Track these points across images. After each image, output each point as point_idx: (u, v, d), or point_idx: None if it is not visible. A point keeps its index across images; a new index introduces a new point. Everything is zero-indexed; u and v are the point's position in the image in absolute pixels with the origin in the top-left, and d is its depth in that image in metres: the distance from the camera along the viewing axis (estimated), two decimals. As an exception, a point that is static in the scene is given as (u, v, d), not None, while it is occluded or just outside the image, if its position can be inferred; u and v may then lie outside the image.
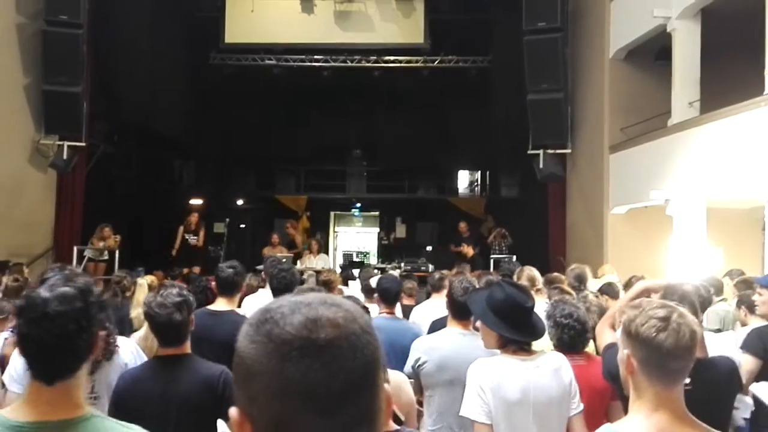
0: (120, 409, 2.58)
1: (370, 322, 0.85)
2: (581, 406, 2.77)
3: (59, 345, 1.57)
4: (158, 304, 2.71)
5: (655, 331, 1.73)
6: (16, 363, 2.96)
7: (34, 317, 1.57)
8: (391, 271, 9.30)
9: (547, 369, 2.72)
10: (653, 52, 9.47)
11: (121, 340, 3.27)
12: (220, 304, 4.06)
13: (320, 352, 0.78)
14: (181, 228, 11.70)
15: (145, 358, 3.49)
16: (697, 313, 2.64)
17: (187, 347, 2.81)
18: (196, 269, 10.71)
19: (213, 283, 4.46)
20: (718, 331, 4.78)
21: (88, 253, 10.21)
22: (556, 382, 2.71)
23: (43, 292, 1.60)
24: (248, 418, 0.81)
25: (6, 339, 4.08)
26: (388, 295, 4.39)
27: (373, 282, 4.79)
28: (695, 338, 1.75)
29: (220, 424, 2.68)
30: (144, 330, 4.05)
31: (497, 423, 2.62)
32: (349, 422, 0.79)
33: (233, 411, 0.83)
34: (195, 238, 11.63)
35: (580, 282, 5.52)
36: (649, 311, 1.79)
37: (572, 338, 3.16)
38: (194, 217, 11.89)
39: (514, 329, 2.73)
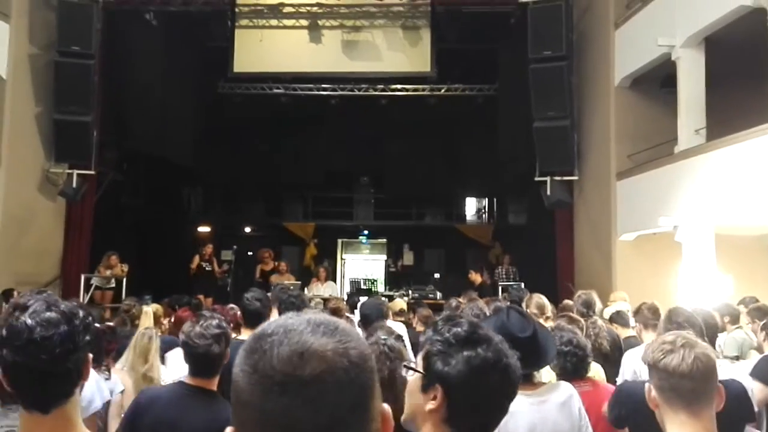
0: (134, 427, 2.56)
1: (365, 350, 0.84)
2: None
3: (48, 370, 1.53)
4: (198, 334, 2.67)
5: (662, 354, 1.77)
6: None
7: (19, 345, 1.52)
8: (398, 299, 9.28)
9: (555, 402, 2.63)
10: (659, 80, 9.52)
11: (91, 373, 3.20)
12: (246, 336, 4.05)
13: (304, 388, 0.77)
14: (197, 257, 11.87)
15: (108, 396, 3.41)
16: (703, 336, 2.61)
17: (215, 383, 2.75)
18: (209, 300, 10.70)
19: (238, 313, 4.48)
20: (737, 358, 4.71)
21: (95, 282, 10.24)
22: (565, 415, 2.61)
23: (27, 319, 1.55)
24: None
25: None
26: (367, 321, 4.34)
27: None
28: (706, 360, 1.75)
29: None
30: (131, 358, 4.04)
31: None
32: None
33: (229, 430, 0.83)
34: (210, 267, 11.86)
35: (587, 308, 5.46)
36: (660, 339, 1.84)
37: (575, 365, 3.13)
38: (209, 249, 12.08)
39: None
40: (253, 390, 0.79)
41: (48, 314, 1.57)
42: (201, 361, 2.67)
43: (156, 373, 4.07)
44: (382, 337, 2.76)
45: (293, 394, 0.77)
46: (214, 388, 2.75)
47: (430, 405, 1.45)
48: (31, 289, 2.04)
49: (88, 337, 1.65)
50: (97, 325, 3.41)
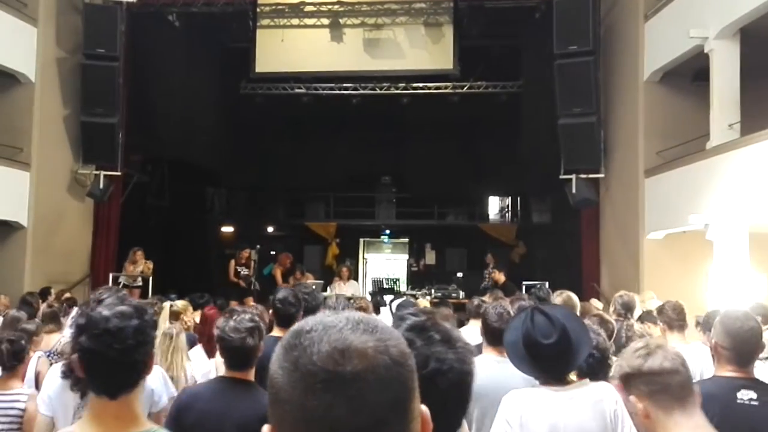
0: (178, 425, 2.62)
1: (405, 349, 0.82)
2: None
3: (120, 359, 1.67)
4: (232, 328, 2.76)
5: (642, 359, 1.80)
6: (49, 387, 2.95)
7: (96, 333, 1.67)
8: (420, 298, 9.19)
9: (583, 401, 2.55)
10: (690, 73, 9.30)
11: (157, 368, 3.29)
12: (278, 334, 4.08)
13: (345, 386, 0.76)
14: (233, 261, 11.87)
15: (172, 388, 3.53)
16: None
17: (252, 374, 2.84)
18: (249, 300, 10.69)
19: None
20: (769, 358, 4.55)
21: (122, 280, 10.33)
22: (594, 414, 2.53)
23: (103, 310, 1.70)
24: None
25: (39, 358, 4.30)
26: None
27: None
28: (681, 357, 1.82)
29: None
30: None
31: None
32: None
33: (266, 429, 0.82)
34: (247, 271, 11.80)
35: (627, 310, 5.23)
36: (629, 348, 1.91)
37: (591, 366, 3.01)
38: (246, 253, 12.05)
39: (534, 364, 2.59)
40: (294, 387, 0.78)
41: (122, 307, 1.73)
42: (236, 353, 2.77)
43: (176, 372, 4.04)
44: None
45: (336, 391, 0.76)
46: (252, 379, 2.84)
47: None
48: (105, 287, 2.33)
49: (153, 333, 1.82)
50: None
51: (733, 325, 2.65)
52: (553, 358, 2.56)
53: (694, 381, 1.88)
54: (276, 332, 4.06)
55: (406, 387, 0.80)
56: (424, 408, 0.84)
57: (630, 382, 1.81)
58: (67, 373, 2.69)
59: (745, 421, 2.45)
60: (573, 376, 3.02)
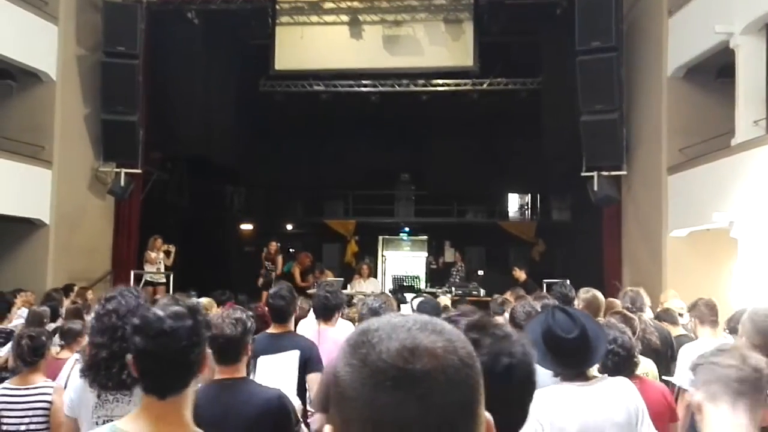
0: None
1: (472, 352, 0.81)
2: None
3: (175, 360, 1.67)
4: (217, 321, 2.77)
5: (714, 355, 1.81)
6: (71, 387, 2.92)
7: (152, 334, 1.68)
8: (441, 296, 9.15)
9: (608, 396, 2.59)
10: (714, 70, 9.17)
11: None
12: (274, 330, 4.08)
13: (415, 384, 0.74)
14: (262, 255, 11.88)
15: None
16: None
17: (243, 370, 2.84)
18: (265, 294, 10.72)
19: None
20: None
21: (146, 276, 10.38)
22: (618, 409, 2.57)
23: (158, 311, 1.71)
24: None
25: (76, 360, 4.09)
26: None
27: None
28: (757, 361, 1.77)
29: None
30: None
31: None
32: None
33: (328, 430, 0.81)
34: (273, 266, 11.78)
35: (633, 304, 5.31)
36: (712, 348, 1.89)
37: (616, 364, 3.07)
38: (273, 246, 12.02)
39: (555, 359, 2.61)
40: (363, 384, 0.76)
41: (176, 308, 1.73)
42: (222, 347, 2.75)
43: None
44: None
45: (406, 389, 0.74)
46: (243, 374, 2.84)
47: None
48: (120, 286, 2.27)
49: (208, 333, 1.81)
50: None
51: (763, 322, 2.64)
52: (574, 352, 2.61)
53: None
54: (271, 329, 4.03)
55: (474, 389, 0.79)
56: (488, 415, 0.83)
57: (695, 372, 1.81)
58: (85, 372, 2.67)
59: None
60: (596, 372, 3.04)
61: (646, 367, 3.81)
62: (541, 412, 2.53)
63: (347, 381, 0.78)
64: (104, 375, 2.48)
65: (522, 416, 1.32)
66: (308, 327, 4.57)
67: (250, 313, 3.06)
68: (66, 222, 10.29)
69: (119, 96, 10.53)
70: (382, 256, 20.24)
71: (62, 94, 10.42)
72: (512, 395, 1.29)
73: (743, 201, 7.55)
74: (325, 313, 4.40)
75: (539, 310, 4.38)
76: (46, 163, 10.11)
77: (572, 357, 2.62)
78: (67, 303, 6.28)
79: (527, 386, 1.35)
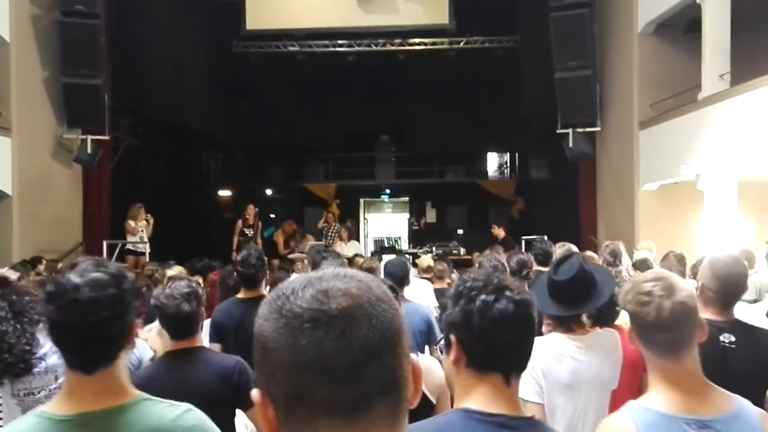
0: None
1: (388, 292, 0.82)
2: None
3: (93, 333, 1.48)
4: (166, 296, 2.67)
5: (639, 306, 1.73)
6: None
7: (64, 304, 1.47)
8: (423, 256, 9.31)
9: (597, 350, 2.65)
10: (683, 25, 9.27)
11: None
12: (243, 295, 4.06)
13: (332, 322, 0.76)
14: (239, 222, 11.51)
15: (149, 354, 3.50)
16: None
17: (199, 340, 2.77)
18: None
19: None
20: (755, 301, 4.76)
21: (129, 245, 9.98)
22: (608, 364, 2.64)
23: (74, 277, 1.49)
24: (269, 398, 0.80)
25: None
26: (393, 280, 4.22)
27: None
28: (682, 308, 1.70)
29: (239, 414, 2.71)
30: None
31: (553, 405, 2.54)
32: (367, 392, 0.77)
33: (255, 393, 0.81)
34: (253, 232, 11.38)
35: (614, 258, 5.52)
36: (637, 286, 1.78)
37: (600, 311, 3.07)
38: (251, 211, 11.58)
39: (555, 304, 2.65)
40: (281, 333, 0.77)
41: (96, 274, 1.51)
42: (174, 321, 2.68)
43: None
44: None
45: (324, 327, 0.76)
46: (199, 344, 2.79)
47: (452, 356, 1.49)
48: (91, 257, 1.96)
49: (137, 302, 1.62)
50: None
51: (721, 269, 2.67)
52: (572, 292, 2.64)
53: None
54: (241, 294, 4.01)
55: (393, 322, 0.80)
56: (413, 356, 0.84)
57: (629, 317, 1.81)
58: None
59: (724, 362, 2.54)
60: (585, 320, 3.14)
61: (623, 318, 3.97)
62: (535, 359, 2.63)
63: (266, 334, 0.79)
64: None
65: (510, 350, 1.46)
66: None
67: (193, 279, 2.94)
68: (30, 192, 9.67)
69: (81, 58, 9.85)
70: (364, 218, 20.36)
71: (17, 56, 9.67)
72: (513, 338, 1.44)
73: (709, 154, 7.74)
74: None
75: (505, 264, 4.55)
76: (4, 131, 9.35)
77: (571, 298, 2.65)
78: (32, 276, 6.10)
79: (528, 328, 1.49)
